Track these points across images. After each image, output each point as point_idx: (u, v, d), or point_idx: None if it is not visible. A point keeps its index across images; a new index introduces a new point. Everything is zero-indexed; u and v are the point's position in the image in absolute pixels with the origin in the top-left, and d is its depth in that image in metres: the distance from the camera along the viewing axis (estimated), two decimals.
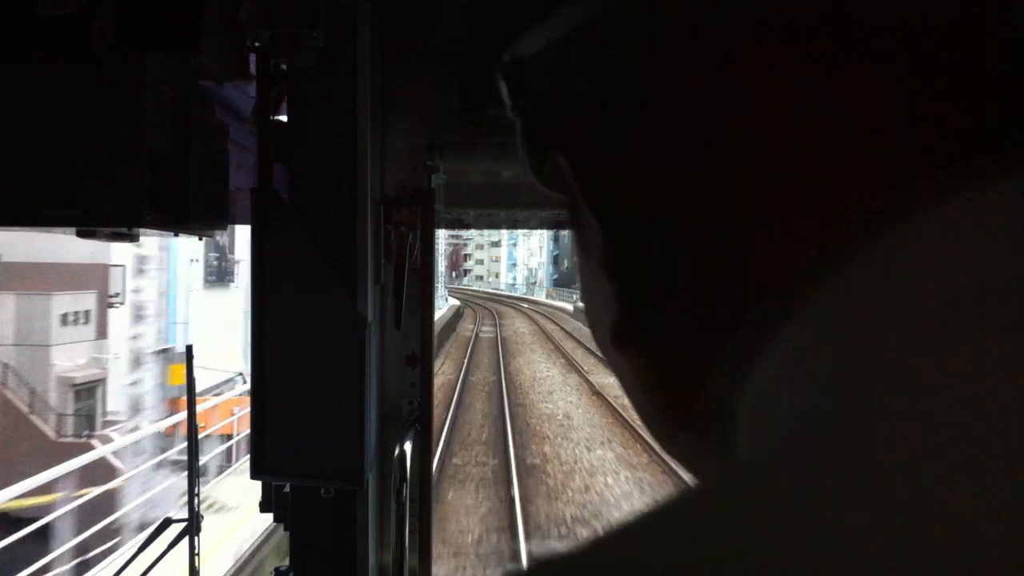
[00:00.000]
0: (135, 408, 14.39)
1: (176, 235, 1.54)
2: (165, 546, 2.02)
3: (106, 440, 14.46)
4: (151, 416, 13.72)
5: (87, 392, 19.41)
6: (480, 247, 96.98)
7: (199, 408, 10.68)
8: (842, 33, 0.30)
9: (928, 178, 0.28)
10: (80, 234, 1.40)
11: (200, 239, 1.74)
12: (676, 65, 0.33)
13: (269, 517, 1.91)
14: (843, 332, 0.28)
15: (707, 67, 0.32)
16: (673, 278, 0.34)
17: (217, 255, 18.21)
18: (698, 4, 0.33)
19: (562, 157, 0.37)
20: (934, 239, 0.27)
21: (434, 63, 1.98)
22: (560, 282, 69.12)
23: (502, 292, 76.83)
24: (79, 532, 7.39)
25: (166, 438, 12.03)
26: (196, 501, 2.00)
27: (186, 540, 2.00)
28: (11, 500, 6.80)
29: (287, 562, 1.90)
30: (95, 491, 8.55)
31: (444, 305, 40.73)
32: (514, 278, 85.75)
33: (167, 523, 2.10)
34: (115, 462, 12.38)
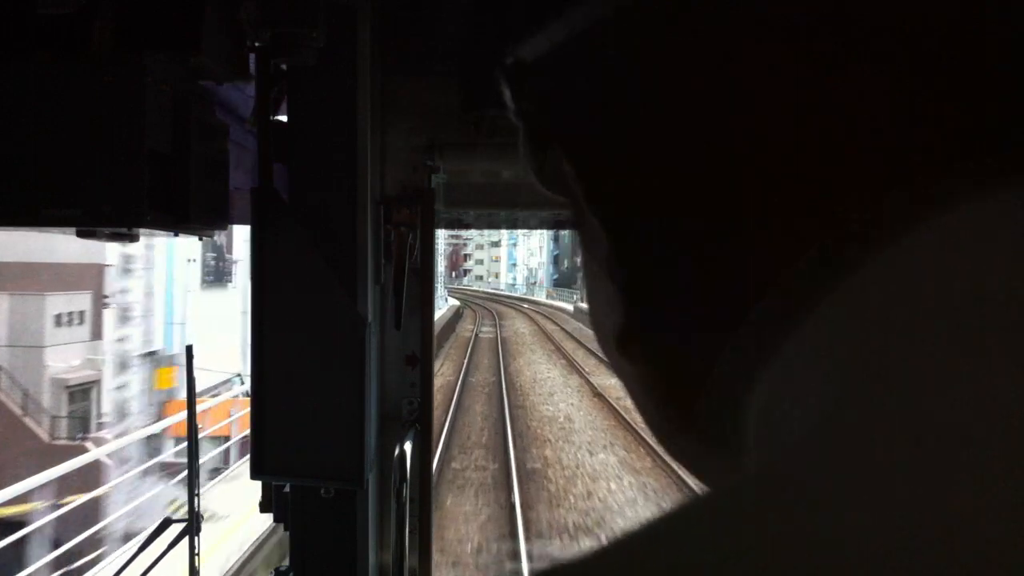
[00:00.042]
0: (122, 414, 13.90)
1: (176, 235, 1.54)
2: (165, 546, 2.02)
3: (101, 442, 14.21)
4: (139, 423, 13.28)
5: (81, 394, 19.24)
6: (480, 247, 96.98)
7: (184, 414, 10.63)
8: (842, 33, 0.30)
9: (928, 178, 0.28)
10: (80, 234, 1.40)
11: (200, 239, 1.74)
12: (676, 65, 0.33)
13: (262, 524, 1.91)
14: (844, 333, 0.28)
15: (707, 67, 0.32)
16: (675, 279, 0.34)
17: (215, 255, 18.12)
18: (698, 4, 0.33)
19: (564, 158, 0.37)
20: (934, 239, 0.27)
21: (434, 63, 1.98)
22: (560, 282, 69.12)
23: (502, 292, 76.82)
24: (70, 539, 7.26)
25: (156, 445, 11.78)
26: (196, 501, 2.00)
27: (186, 540, 2.00)
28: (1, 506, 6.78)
29: (287, 562, 1.90)
30: (80, 498, 8.37)
31: (444, 305, 40.74)
32: (514, 278, 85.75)
33: (167, 523, 2.10)
34: (109, 463, 12.27)
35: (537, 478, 11.19)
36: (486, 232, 73.02)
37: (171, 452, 11.35)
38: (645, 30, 0.34)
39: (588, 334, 30.14)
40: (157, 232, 1.45)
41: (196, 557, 1.99)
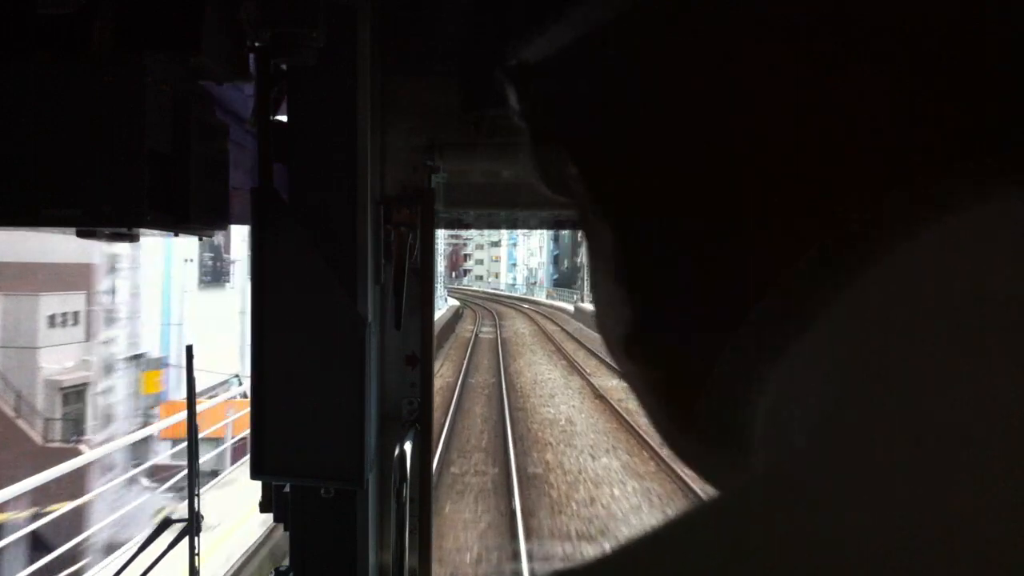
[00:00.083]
0: (106, 420, 13.27)
1: (176, 235, 1.54)
2: (165, 546, 2.02)
3: (93, 445, 13.76)
4: (123, 430, 12.75)
5: (75, 395, 18.96)
6: (480, 247, 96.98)
7: (184, 415, 10.55)
8: (842, 33, 0.30)
9: (928, 178, 0.28)
10: (80, 234, 1.40)
11: (200, 239, 1.74)
12: (677, 65, 0.33)
13: (258, 530, 1.91)
14: (845, 333, 0.28)
15: (707, 67, 0.32)
16: (678, 279, 0.34)
17: (212, 255, 18.01)
18: (698, 4, 0.33)
19: (568, 159, 0.37)
20: (934, 240, 0.27)
21: (434, 63, 1.98)
22: (560, 282, 69.10)
23: (502, 292, 76.79)
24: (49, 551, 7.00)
25: (141, 453, 11.45)
26: (196, 501, 2.00)
27: (186, 540, 2.00)
28: None
29: (287, 562, 1.90)
30: (63, 507, 8.06)
31: (443, 305, 40.70)
32: (514, 278, 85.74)
33: (167, 523, 2.10)
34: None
35: (538, 483, 10.93)
36: (486, 232, 73.03)
37: (167, 454, 11.19)
38: (645, 30, 0.34)
39: (589, 335, 30.13)
40: (157, 232, 1.45)
41: (196, 557, 1.99)
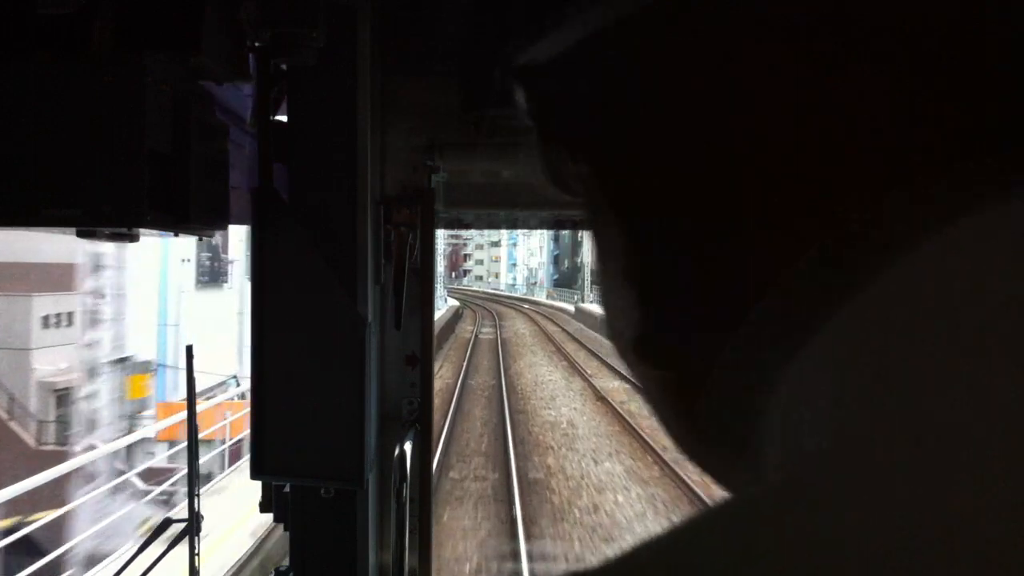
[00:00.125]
0: (90, 426, 12.51)
1: (176, 235, 1.54)
2: (165, 546, 2.02)
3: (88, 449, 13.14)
4: (107, 436, 12.12)
5: (69, 397, 18.82)
6: (480, 247, 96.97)
7: (182, 416, 10.36)
8: (842, 33, 0.30)
9: (928, 178, 0.28)
10: (80, 234, 1.40)
11: (200, 239, 1.74)
12: (678, 66, 0.33)
13: (250, 538, 1.90)
14: (850, 334, 0.28)
15: (709, 68, 0.32)
16: (690, 280, 0.34)
17: (210, 255, 17.88)
18: (698, 4, 0.33)
19: (579, 160, 0.37)
20: (934, 240, 0.27)
21: (434, 63, 1.98)
22: (561, 282, 69.06)
23: (502, 292, 76.76)
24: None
25: (125, 461, 11.09)
26: (196, 501, 2.00)
27: (186, 540, 2.00)
28: None
29: (287, 562, 1.90)
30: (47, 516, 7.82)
31: (443, 306, 40.65)
32: (514, 278, 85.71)
33: (167, 523, 2.10)
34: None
35: (539, 489, 10.65)
36: (486, 232, 73.01)
37: (163, 456, 11.06)
38: (646, 31, 0.34)
39: (589, 335, 30.06)
40: (157, 232, 1.45)
41: (196, 557, 1.99)
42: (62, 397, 18.42)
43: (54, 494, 9.38)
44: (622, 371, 18.71)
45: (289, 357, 1.74)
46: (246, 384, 14.00)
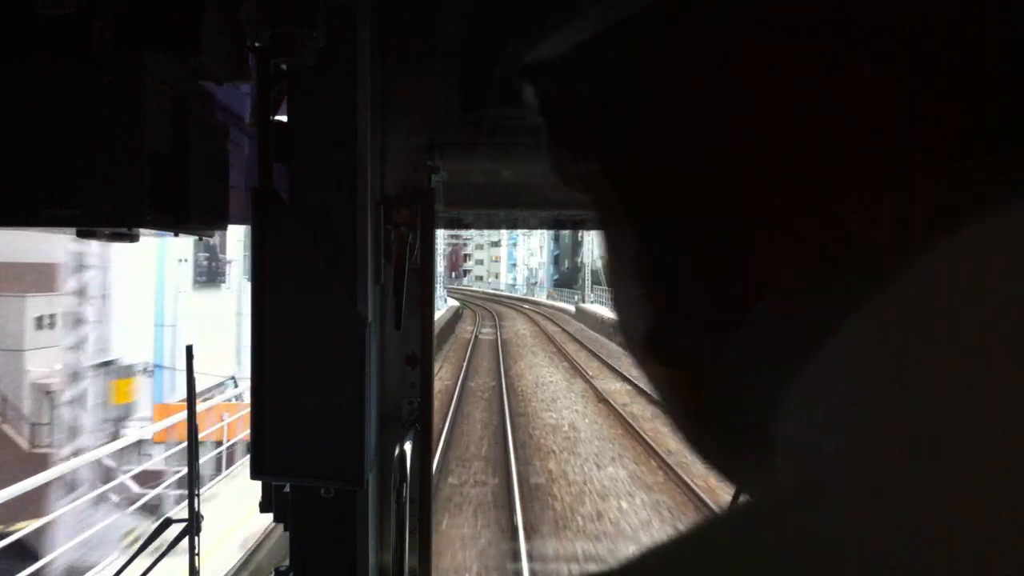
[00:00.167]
0: (71, 433, 11.68)
1: (176, 235, 1.54)
2: (165, 546, 2.02)
3: (81, 452, 12.31)
4: (89, 444, 11.38)
5: (54, 401, 18.60)
6: (480, 247, 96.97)
7: (179, 417, 10.25)
8: (842, 33, 0.30)
9: (928, 178, 0.28)
10: (80, 234, 1.40)
11: (200, 239, 1.74)
12: (678, 66, 0.33)
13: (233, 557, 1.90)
14: (865, 335, 0.28)
15: (710, 68, 0.32)
16: (700, 280, 0.34)
17: (207, 255, 17.75)
18: (698, 4, 0.33)
19: (589, 159, 0.37)
20: (934, 240, 0.27)
21: (434, 63, 1.98)
22: (561, 282, 69.07)
23: (502, 293, 76.72)
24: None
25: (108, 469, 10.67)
26: (196, 501, 2.00)
27: (186, 540, 2.00)
28: None
29: (287, 562, 1.90)
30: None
31: (443, 306, 40.64)
32: (514, 278, 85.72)
33: (167, 523, 2.10)
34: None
35: (541, 495, 10.28)
36: (486, 232, 73.01)
37: (160, 458, 10.89)
38: (645, 31, 0.34)
39: (590, 335, 29.99)
40: (157, 232, 1.46)
41: (196, 557, 1.99)
42: (55, 400, 18.27)
43: (43, 500, 9.18)
44: (623, 372, 18.64)
45: (289, 357, 1.74)
46: (244, 385, 13.94)
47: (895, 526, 0.21)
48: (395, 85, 1.99)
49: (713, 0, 0.32)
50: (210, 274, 18.32)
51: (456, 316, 39.51)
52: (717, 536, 0.24)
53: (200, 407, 11.17)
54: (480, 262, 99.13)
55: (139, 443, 11.93)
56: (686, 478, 10.12)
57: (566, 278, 67.93)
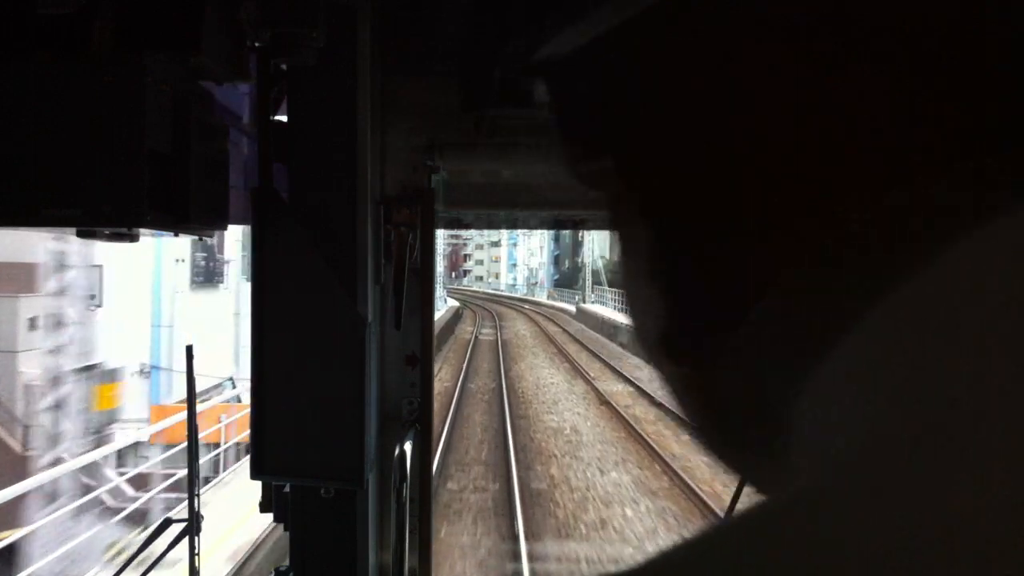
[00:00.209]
0: (51, 442, 11.01)
1: (176, 235, 1.54)
2: (165, 546, 2.02)
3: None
4: (69, 451, 10.76)
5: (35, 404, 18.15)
6: (480, 247, 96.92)
7: (175, 419, 10.14)
8: (842, 33, 0.30)
9: (928, 178, 0.28)
10: (80, 234, 1.40)
11: (200, 240, 1.74)
12: (679, 67, 0.33)
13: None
14: (880, 339, 0.27)
15: (709, 68, 0.32)
16: (708, 280, 0.34)
17: (205, 255, 17.60)
18: (698, 4, 0.32)
19: (609, 158, 0.37)
20: (933, 240, 0.27)
21: (434, 63, 1.98)
22: (561, 282, 69.03)
23: (502, 293, 76.67)
24: None
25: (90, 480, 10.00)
26: (196, 501, 2.00)
27: (186, 540, 2.00)
28: None
29: (287, 562, 1.90)
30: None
31: (443, 306, 40.59)
32: (514, 279, 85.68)
33: (167, 523, 2.10)
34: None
35: (543, 502, 9.98)
36: (486, 232, 72.97)
37: (157, 460, 10.70)
38: (646, 32, 0.34)
39: (591, 336, 29.90)
40: (157, 232, 1.46)
41: (196, 557, 1.99)
42: (35, 406, 17.89)
43: (31, 506, 8.91)
44: (625, 374, 18.55)
45: (289, 357, 1.74)
46: (242, 386, 13.84)
47: (895, 526, 0.21)
48: (395, 85, 1.99)
49: (713, 0, 0.32)
50: (208, 274, 18.18)
51: (456, 316, 39.46)
52: (720, 538, 0.24)
53: (197, 408, 10.97)
54: (480, 262, 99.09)
55: (136, 445, 11.72)
56: (691, 483, 9.92)
57: (566, 278, 67.90)
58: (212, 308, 17.19)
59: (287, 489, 1.87)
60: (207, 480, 9.18)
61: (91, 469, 10.13)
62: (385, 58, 1.93)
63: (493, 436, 13.30)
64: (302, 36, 1.52)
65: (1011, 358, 0.23)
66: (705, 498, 9.32)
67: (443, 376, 19.02)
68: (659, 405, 14.63)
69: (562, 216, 2.79)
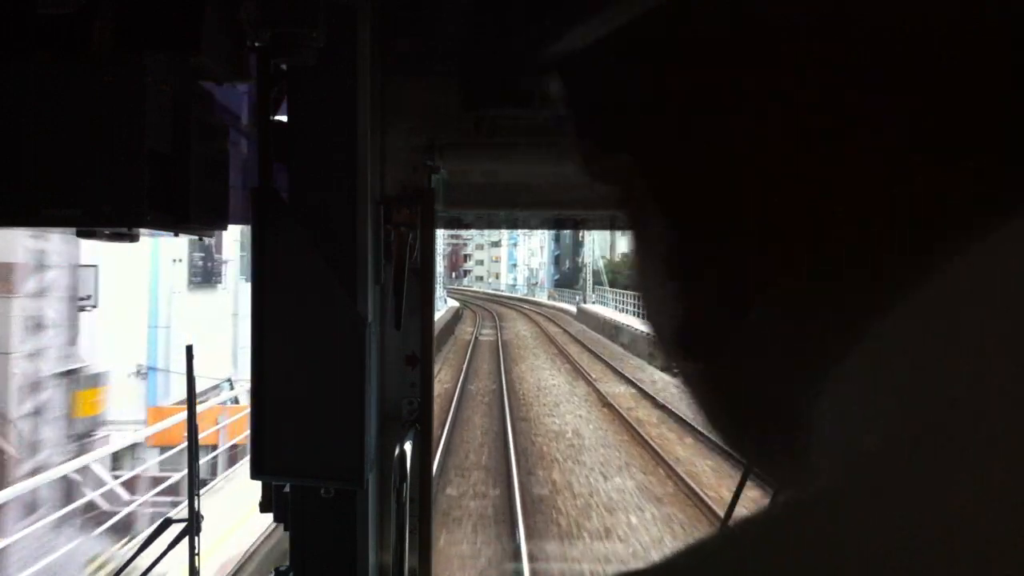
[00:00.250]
0: (30, 450, 10.34)
1: (176, 235, 1.54)
2: (165, 546, 2.02)
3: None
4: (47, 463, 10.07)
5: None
6: (480, 247, 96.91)
7: (173, 420, 10.03)
8: (842, 33, 0.30)
9: (928, 178, 0.28)
10: (80, 234, 1.40)
11: (200, 240, 1.74)
12: (680, 67, 0.33)
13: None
14: (900, 342, 0.27)
15: (709, 68, 0.32)
16: (709, 280, 0.34)
17: (203, 255, 17.45)
18: (699, 4, 0.32)
19: (627, 155, 0.37)
20: (933, 239, 0.27)
21: (434, 63, 1.98)
22: (562, 283, 69.00)
23: (502, 293, 76.62)
24: None
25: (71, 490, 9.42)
26: (196, 501, 2.00)
27: (186, 540, 2.00)
28: None
29: (287, 562, 1.90)
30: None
31: (443, 307, 40.54)
32: (515, 279, 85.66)
33: (167, 523, 2.10)
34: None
35: (545, 508, 9.64)
36: (486, 232, 72.97)
37: (154, 462, 10.57)
38: (647, 31, 0.34)
39: (592, 336, 29.77)
40: (157, 232, 1.46)
41: (196, 557, 1.99)
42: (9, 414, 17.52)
43: (19, 512, 8.65)
44: (627, 375, 18.46)
45: (289, 357, 1.74)
46: (240, 388, 13.73)
47: (895, 526, 0.21)
48: (395, 85, 1.99)
49: (713, 0, 0.32)
50: (205, 274, 18.03)
51: (456, 317, 39.39)
52: (720, 539, 0.24)
53: (182, 415, 10.58)
54: (480, 262, 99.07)
55: (132, 447, 11.58)
56: (697, 489, 9.69)
57: (567, 278, 67.88)
58: (210, 309, 17.02)
59: (287, 489, 1.87)
60: (204, 483, 8.86)
61: (82, 473, 9.80)
62: (385, 58, 1.93)
63: (493, 440, 13.04)
64: (302, 36, 1.52)
65: (1011, 357, 0.23)
66: (712, 505, 9.06)
67: (443, 378, 18.74)
68: (662, 407, 14.54)
69: (562, 216, 2.79)
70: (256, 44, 1.56)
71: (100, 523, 7.91)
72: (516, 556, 8.17)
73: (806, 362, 0.29)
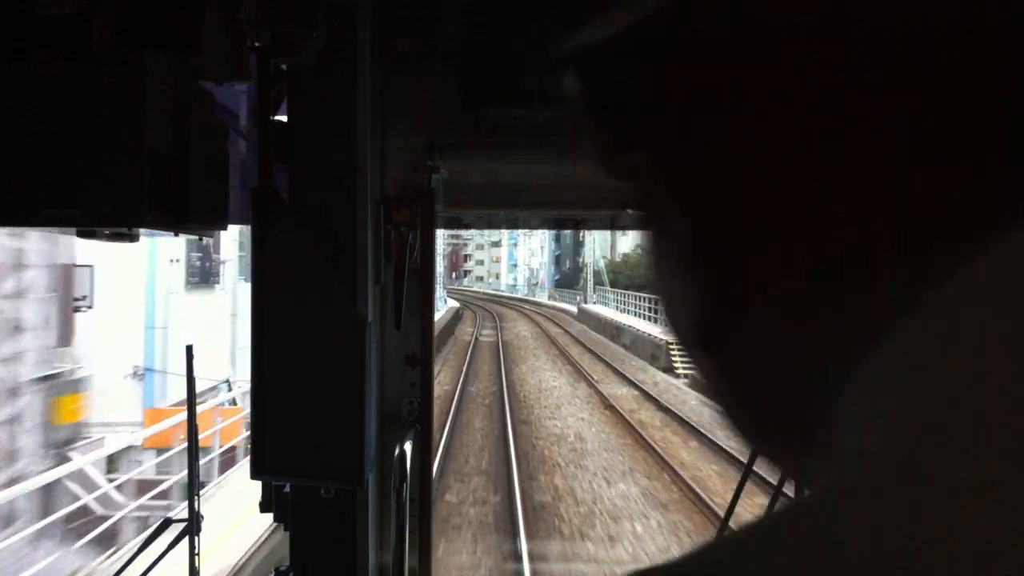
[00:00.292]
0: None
1: (176, 235, 1.54)
2: (165, 546, 2.02)
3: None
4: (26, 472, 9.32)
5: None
6: (480, 247, 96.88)
7: (171, 421, 9.96)
8: (842, 33, 0.30)
9: (928, 178, 0.28)
10: (80, 234, 1.40)
11: (200, 240, 1.75)
12: (680, 67, 0.33)
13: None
14: (916, 346, 0.27)
15: (710, 68, 0.32)
16: (708, 280, 0.34)
17: (200, 255, 17.35)
18: (699, 4, 0.32)
19: (648, 155, 0.37)
20: (933, 239, 0.27)
21: (434, 63, 1.98)
22: (562, 283, 68.97)
23: (503, 293, 76.55)
24: None
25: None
26: (196, 501, 2.00)
27: (186, 540, 2.00)
28: None
29: (287, 562, 1.90)
30: None
31: (443, 307, 40.50)
32: (515, 279, 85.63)
33: (167, 523, 2.10)
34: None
35: (547, 516, 9.33)
36: (486, 232, 72.94)
37: (152, 463, 10.47)
38: (647, 32, 0.34)
39: (593, 337, 29.65)
40: (157, 232, 1.46)
41: (196, 557, 1.99)
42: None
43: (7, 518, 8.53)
44: (629, 376, 18.29)
45: (289, 357, 1.74)
46: (238, 389, 13.64)
47: (896, 526, 0.21)
48: (395, 85, 1.99)
49: (713, 1, 0.32)
50: (203, 274, 17.91)
51: (456, 317, 39.32)
52: (720, 540, 0.24)
53: (180, 416, 10.38)
54: (480, 262, 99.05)
55: (128, 449, 11.46)
56: (704, 495, 9.45)
57: (568, 278, 67.86)
58: (208, 309, 16.88)
59: (287, 489, 1.87)
60: (201, 485, 8.81)
61: (74, 477, 9.27)
62: (385, 58, 1.93)
63: (494, 443, 12.74)
64: (302, 36, 1.52)
65: (1011, 358, 0.23)
66: (719, 511, 8.63)
67: (442, 379, 18.42)
68: (665, 410, 14.39)
69: (562, 216, 2.79)
70: (256, 44, 1.56)
71: (91, 530, 7.71)
72: (517, 565, 7.98)
73: (806, 362, 0.29)
